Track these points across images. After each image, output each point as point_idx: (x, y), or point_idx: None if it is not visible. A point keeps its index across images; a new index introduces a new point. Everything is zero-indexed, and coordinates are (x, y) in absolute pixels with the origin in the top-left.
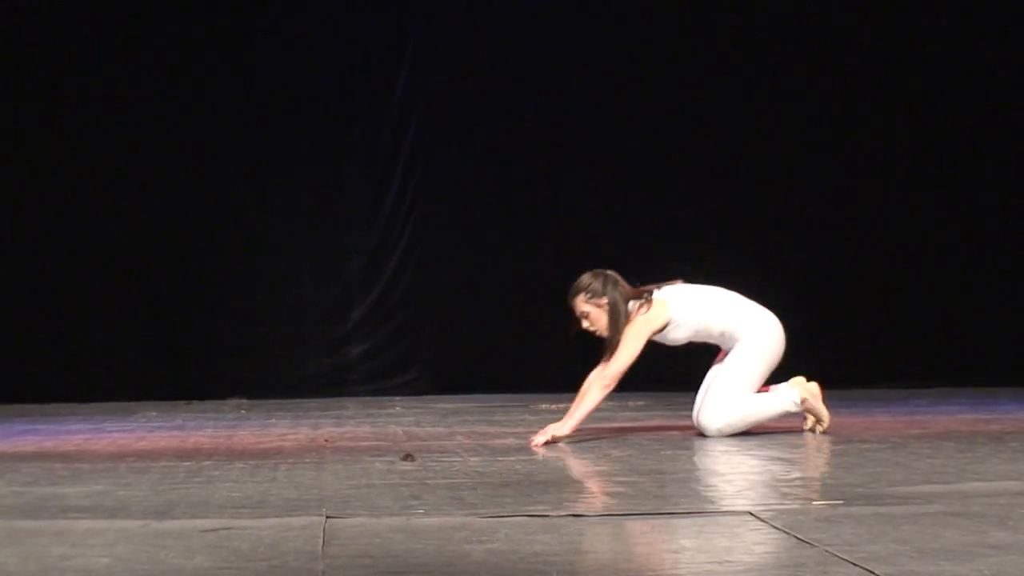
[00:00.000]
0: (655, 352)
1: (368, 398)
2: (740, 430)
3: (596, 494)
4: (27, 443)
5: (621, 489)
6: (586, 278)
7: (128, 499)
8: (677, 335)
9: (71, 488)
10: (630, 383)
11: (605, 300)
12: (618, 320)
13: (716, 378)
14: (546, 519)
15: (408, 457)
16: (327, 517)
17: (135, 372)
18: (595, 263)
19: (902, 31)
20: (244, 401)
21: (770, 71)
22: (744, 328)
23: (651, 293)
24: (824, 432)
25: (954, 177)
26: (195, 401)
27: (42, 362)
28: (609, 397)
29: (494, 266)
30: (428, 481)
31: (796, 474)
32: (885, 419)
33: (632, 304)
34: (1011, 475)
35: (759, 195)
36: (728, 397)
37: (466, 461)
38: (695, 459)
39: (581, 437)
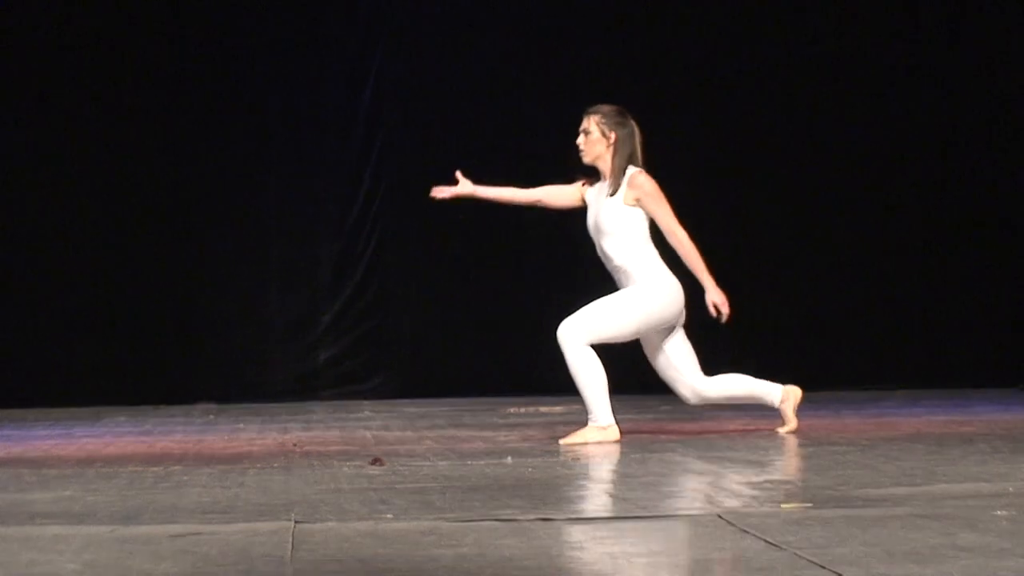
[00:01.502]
0: (622, 354)
1: (337, 402)
2: (588, 342)
3: (565, 498)
4: None
5: (590, 493)
6: (613, 107)
7: (96, 504)
8: (633, 217)
9: (39, 494)
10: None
11: (613, 135)
12: (615, 157)
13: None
14: (515, 523)
15: (377, 461)
16: (296, 522)
17: (103, 377)
18: (561, 271)
19: (878, 40)
20: (213, 406)
21: (753, 84)
22: (650, 273)
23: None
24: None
25: (926, 183)
26: (163, 406)
27: (9, 367)
28: (574, 401)
29: (461, 271)
30: (397, 485)
31: (765, 477)
32: (854, 421)
33: (632, 167)
34: (980, 477)
35: (734, 201)
36: (592, 318)
37: (435, 465)
38: (663, 462)
39: (549, 441)
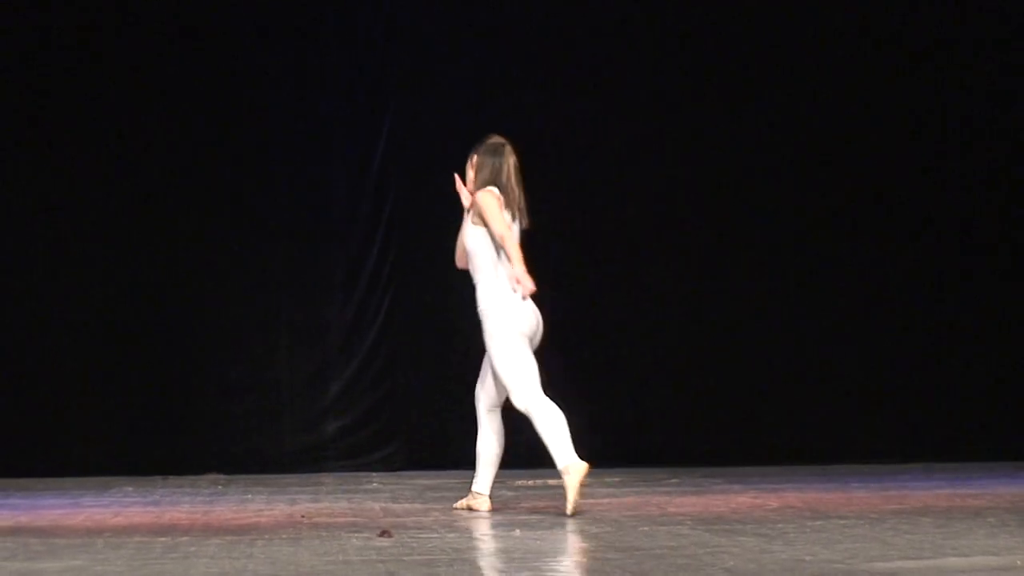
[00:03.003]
0: (630, 426)
1: (345, 474)
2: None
3: (574, 571)
4: (2, 518)
5: (599, 566)
6: (491, 137)
7: (104, 575)
8: (485, 237)
9: (47, 563)
10: (606, 460)
11: (474, 158)
12: (477, 177)
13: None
14: None
15: (385, 533)
16: None
17: (111, 446)
18: (569, 336)
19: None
20: (221, 476)
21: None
22: (488, 302)
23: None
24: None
25: (936, 259)
26: (171, 476)
27: (17, 436)
28: (588, 473)
29: (471, 341)
30: (405, 558)
31: (773, 550)
32: (862, 494)
33: (495, 189)
34: (989, 550)
35: (741, 275)
36: (517, 376)
37: (443, 537)
38: (672, 535)
39: (557, 513)
